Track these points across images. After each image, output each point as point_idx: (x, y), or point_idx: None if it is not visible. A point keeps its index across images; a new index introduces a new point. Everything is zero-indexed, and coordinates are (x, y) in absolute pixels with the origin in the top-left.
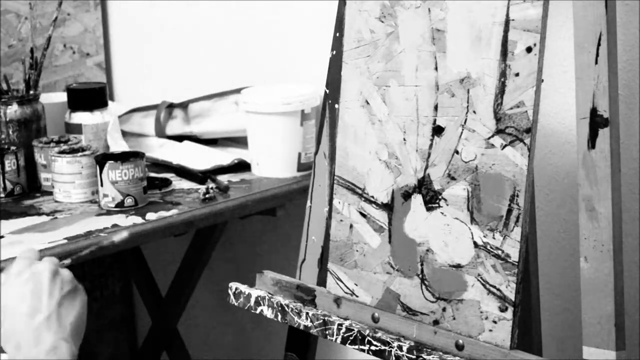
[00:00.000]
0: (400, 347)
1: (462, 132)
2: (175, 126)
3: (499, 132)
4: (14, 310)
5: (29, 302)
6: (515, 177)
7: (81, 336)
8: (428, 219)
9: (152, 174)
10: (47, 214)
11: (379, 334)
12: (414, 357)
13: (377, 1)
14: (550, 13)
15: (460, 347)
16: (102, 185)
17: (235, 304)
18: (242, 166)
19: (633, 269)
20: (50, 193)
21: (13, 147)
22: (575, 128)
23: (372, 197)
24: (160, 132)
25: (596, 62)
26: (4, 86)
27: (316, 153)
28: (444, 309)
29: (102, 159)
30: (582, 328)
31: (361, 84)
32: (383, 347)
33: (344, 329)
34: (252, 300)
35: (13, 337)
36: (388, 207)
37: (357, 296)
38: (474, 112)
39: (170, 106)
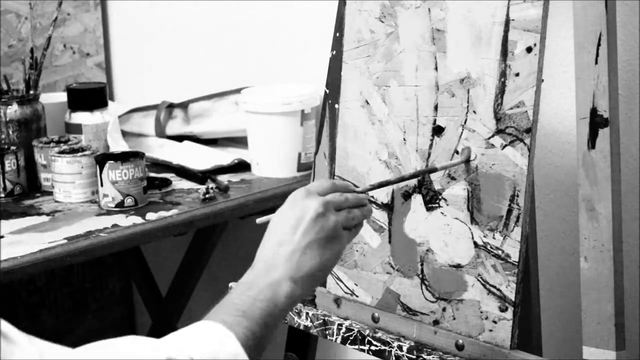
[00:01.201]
0: (400, 347)
1: (462, 132)
2: (175, 126)
3: (499, 132)
4: (269, 234)
5: (283, 231)
6: (515, 177)
7: (315, 285)
8: (428, 219)
9: (152, 174)
10: (47, 214)
11: (379, 334)
12: (414, 357)
13: (377, 1)
14: (550, 13)
15: (460, 347)
16: (102, 185)
17: None
18: (242, 166)
19: (633, 269)
20: (50, 193)
21: (13, 147)
22: (575, 128)
23: (372, 197)
24: (160, 132)
25: (596, 62)
26: (4, 86)
27: (316, 153)
28: (444, 309)
29: (102, 159)
30: (582, 328)
31: (361, 84)
32: (383, 347)
33: (344, 329)
34: None
35: (258, 256)
36: (388, 207)
37: (357, 296)
38: (474, 112)
39: (170, 106)
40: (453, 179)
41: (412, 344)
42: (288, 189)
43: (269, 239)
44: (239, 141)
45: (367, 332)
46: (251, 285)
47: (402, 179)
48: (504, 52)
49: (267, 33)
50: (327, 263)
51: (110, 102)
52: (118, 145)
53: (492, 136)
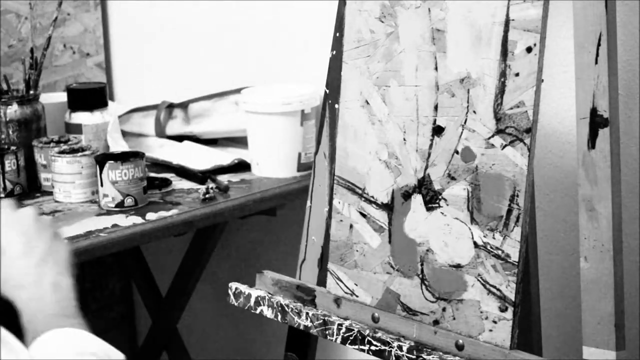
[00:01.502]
0: (400, 347)
1: (462, 132)
2: (175, 126)
3: (499, 132)
4: (8, 255)
5: (21, 243)
6: (515, 177)
7: (71, 273)
8: (428, 219)
9: (152, 174)
10: (47, 214)
11: (379, 334)
12: (414, 357)
13: (377, 1)
14: (550, 13)
15: (460, 347)
16: (102, 185)
17: (235, 304)
18: (242, 166)
19: (633, 269)
20: (50, 193)
21: (13, 147)
22: (575, 128)
23: (372, 197)
24: (160, 132)
25: (596, 62)
26: (4, 86)
27: (316, 153)
28: (444, 309)
29: (102, 159)
30: (582, 328)
31: (361, 84)
32: (383, 347)
33: (344, 329)
34: (252, 300)
35: (12, 280)
36: (388, 207)
37: (357, 296)
38: (474, 112)
39: (170, 106)
40: (453, 179)
41: (412, 344)
42: (288, 189)
43: (9, 263)
44: (239, 141)
45: (367, 332)
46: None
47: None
48: (504, 52)
49: (267, 33)
50: (67, 249)
51: (110, 102)
52: (118, 145)
53: (492, 136)
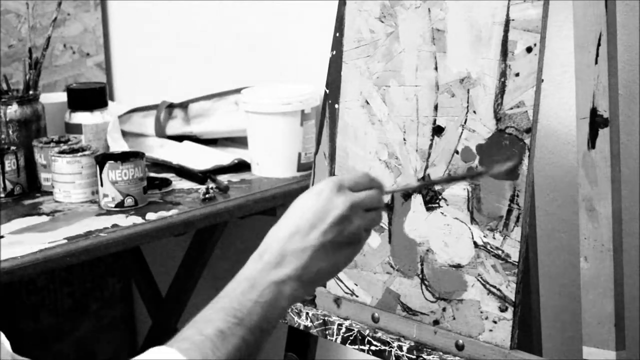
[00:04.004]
0: (400, 347)
1: (462, 132)
2: (175, 126)
3: (499, 132)
4: (286, 219)
5: (300, 223)
6: None
7: (317, 286)
8: (428, 219)
9: (152, 174)
10: (47, 214)
11: (379, 334)
12: (414, 357)
13: (377, 1)
14: (550, 13)
15: (460, 347)
16: (102, 185)
17: None
18: (242, 166)
19: (633, 269)
20: (50, 193)
21: (13, 147)
22: (575, 128)
23: None
24: (160, 132)
25: (596, 62)
26: (4, 86)
27: (316, 153)
28: (444, 309)
29: (102, 159)
30: (582, 328)
31: (361, 84)
32: (383, 347)
33: (344, 329)
34: None
35: (268, 242)
36: (388, 207)
37: (357, 296)
38: (474, 112)
39: (170, 106)
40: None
41: (412, 344)
42: (288, 189)
43: (283, 226)
44: (239, 141)
45: (367, 332)
46: (254, 283)
47: (451, 179)
48: (504, 52)
49: (267, 33)
50: (337, 266)
51: (110, 102)
52: (118, 145)
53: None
